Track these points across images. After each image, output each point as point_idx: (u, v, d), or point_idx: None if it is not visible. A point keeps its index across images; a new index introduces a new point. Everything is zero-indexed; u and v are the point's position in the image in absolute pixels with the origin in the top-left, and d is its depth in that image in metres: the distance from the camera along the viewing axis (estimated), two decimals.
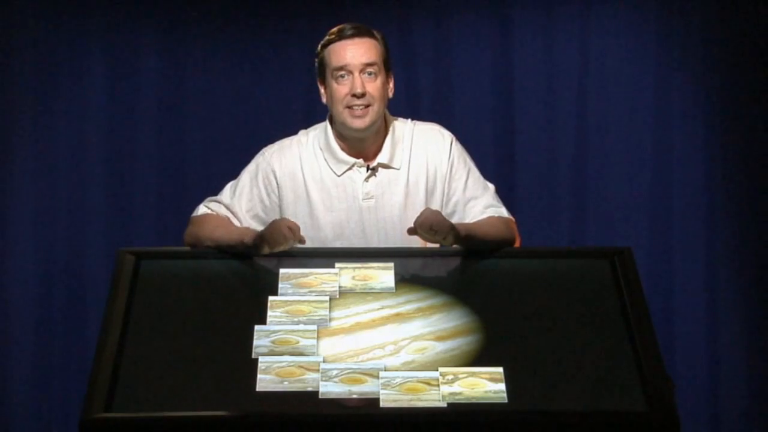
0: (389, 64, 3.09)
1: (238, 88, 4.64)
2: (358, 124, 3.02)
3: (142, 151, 4.62)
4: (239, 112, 4.64)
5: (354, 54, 3.01)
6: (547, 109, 4.63)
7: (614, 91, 4.61)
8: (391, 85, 3.10)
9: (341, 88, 3.01)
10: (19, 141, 4.58)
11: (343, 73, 3.01)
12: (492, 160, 4.56)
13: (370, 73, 3.01)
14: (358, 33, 3.03)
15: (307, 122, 3.25)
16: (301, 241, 2.91)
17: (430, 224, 2.88)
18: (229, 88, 4.64)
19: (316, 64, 3.09)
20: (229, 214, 3.08)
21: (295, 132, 3.21)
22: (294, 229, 2.89)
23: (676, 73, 4.60)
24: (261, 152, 3.15)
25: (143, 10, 4.62)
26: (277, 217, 3.07)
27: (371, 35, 3.05)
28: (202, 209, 3.11)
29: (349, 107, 3.01)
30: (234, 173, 3.20)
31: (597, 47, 4.61)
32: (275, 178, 3.09)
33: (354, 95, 3.00)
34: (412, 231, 2.92)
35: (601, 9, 4.61)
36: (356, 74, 3.00)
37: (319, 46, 3.08)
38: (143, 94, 4.62)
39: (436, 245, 3.01)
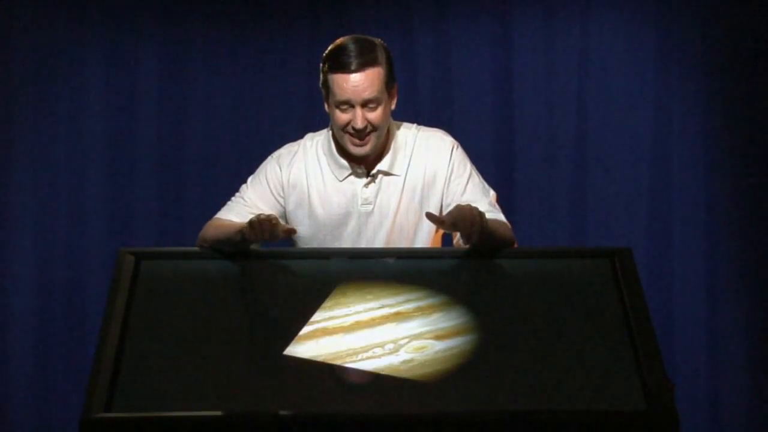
0: (393, 79, 3.05)
1: (238, 88, 4.65)
2: (358, 151, 3.04)
3: (142, 152, 4.63)
4: (239, 112, 4.65)
5: (356, 90, 2.97)
6: (547, 109, 4.64)
7: (614, 90, 4.62)
8: (395, 98, 3.09)
9: (343, 116, 3.01)
10: (19, 141, 4.59)
11: (345, 106, 3.00)
12: (492, 160, 4.57)
13: (371, 107, 3.00)
14: (361, 65, 2.97)
15: (308, 122, 3.27)
16: (291, 231, 2.92)
17: (453, 221, 2.83)
18: (229, 88, 4.65)
19: (321, 79, 3.06)
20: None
21: (294, 132, 3.21)
22: (272, 222, 2.86)
23: (676, 74, 4.60)
24: (266, 162, 3.17)
25: (143, 11, 4.62)
26: (284, 218, 3.13)
27: (374, 62, 2.99)
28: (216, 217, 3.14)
29: (350, 134, 3.02)
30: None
31: (597, 47, 4.62)
32: (282, 186, 3.12)
33: (354, 128, 3.01)
34: (436, 219, 2.86)
35: (600, 9, 4.61)
36: (357, 109, 2.99)
37: (323, 63, 3.04)
38: (143, 94, 4.63)
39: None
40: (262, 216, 2.88)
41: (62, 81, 4.61)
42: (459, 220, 2.83)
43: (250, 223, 2.86)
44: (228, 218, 3.09)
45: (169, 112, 4.64)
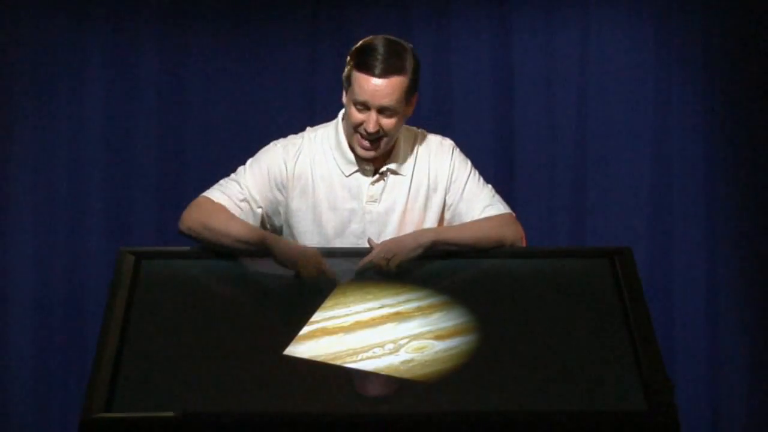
0: (415, 88, 3.03)
1: (238, 87, 4.65)
2: (364, 154, 3.04)
3: (142, 151, 4.62)
4: (239, 111, 4.65)
5: (375, 95, 2.96)
6: (547, 108, 4.64)
7: (614, 90, 4.62)
8: (413, 107, 3.06)
9: (358, 116, 3.00)
10: (19, 141, 4.59)
11: (361, 107, 2.99)
12: (492, 160, 4.57)
13: (387, 114, 2.99)
14: (386, 71, 2.95)
15: (307, 121, 3.25)
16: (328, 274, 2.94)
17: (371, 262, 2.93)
18: (228, 87, 4.65)
19: (345, 71, 3.02)
20: (241, 207, 3.08)
21: (294, 132, 3.20)
22: (321, 267, 2.92)
23: (676, 73, 4.60)
24: (269, 149, 3.14)
25: (143, 11, 4.62)
26: (277, 214, 3.10)
27: (400, 71, 2.97)
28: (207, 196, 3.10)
29: (361, 135, 3.02)
30: (233, 173, 3.20)
31: (597, 47, 4.62)
32: (284, 181, 3.09)
33: (366, 130, 3.00)
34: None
35: (601, 8, 4.61)
36: (373, 112, 2.98)
37: (351, 56, 3.01)
38: (143, 94, 4.63)
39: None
40: (312, 264, 2.90)
41: (62, 81, 4.61)
42: (375, 262, 2.92)
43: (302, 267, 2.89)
44: (219, 201, 3.05)
45: (169, 112, 4.63)
